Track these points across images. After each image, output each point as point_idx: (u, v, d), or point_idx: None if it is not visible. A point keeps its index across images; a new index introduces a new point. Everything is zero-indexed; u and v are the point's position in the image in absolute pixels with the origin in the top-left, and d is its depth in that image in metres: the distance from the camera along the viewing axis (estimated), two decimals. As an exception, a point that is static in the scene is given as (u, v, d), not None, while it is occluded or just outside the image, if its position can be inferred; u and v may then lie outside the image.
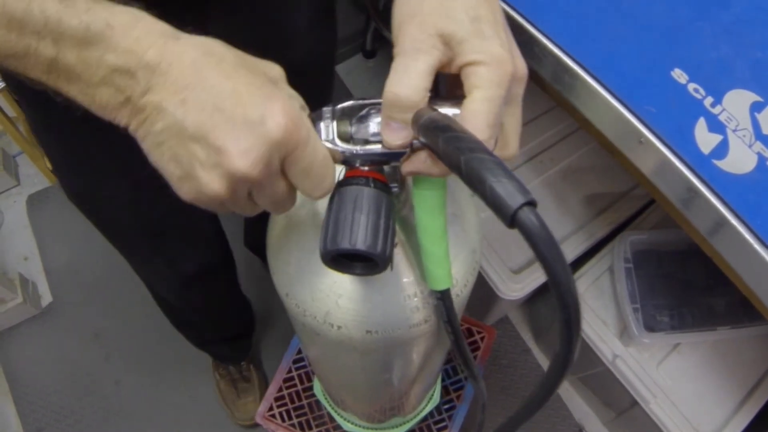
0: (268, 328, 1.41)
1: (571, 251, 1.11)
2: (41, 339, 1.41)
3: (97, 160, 0.63)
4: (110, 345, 1.40)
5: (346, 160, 0.36)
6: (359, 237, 0.34)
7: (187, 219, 0.77)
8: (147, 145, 0.31)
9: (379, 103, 0.36)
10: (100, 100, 0.30)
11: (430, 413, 0.95)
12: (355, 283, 0.46)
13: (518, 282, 1.07)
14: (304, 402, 0.98)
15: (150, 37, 0.29)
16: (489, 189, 0.26)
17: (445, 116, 0.32)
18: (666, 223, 1.12)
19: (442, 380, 0.97)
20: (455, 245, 0.47)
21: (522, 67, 0.34)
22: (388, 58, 0.34)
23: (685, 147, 0.55)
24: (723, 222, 0.54)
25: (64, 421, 1.32)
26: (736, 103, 0.55)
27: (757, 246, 0.52)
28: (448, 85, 0.34)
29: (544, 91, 0.69)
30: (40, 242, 1.54)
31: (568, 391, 1.32)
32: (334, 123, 0.36)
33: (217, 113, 0.29)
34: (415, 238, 0.42)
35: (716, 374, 1.02)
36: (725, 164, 0.54)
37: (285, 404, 0.98)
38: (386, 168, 0.38)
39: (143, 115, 0.30)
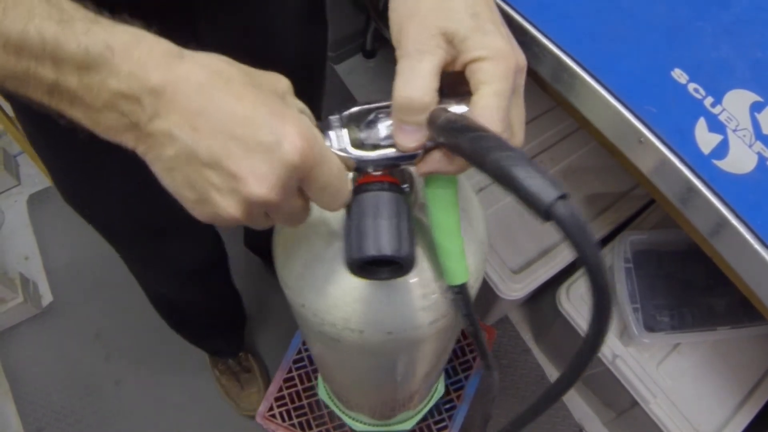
0: (268, 327, 1.41)
1: (571, 252, 1.11)
2: (42, 339, 1.41)
3: (92, 164, 0.63)
4: (111, 345, 1.40)
5: (359, 167, 0.36)
6: (385, 242, 0.34)
7: (185, 217, 0.77)
8: (157, 169, 0.30)
9: (386, 106, 0.36)
10: (105, 124, 0.29)
11: (430, 413, 0.95)
12: (373, 286, 0.46)
13: (518, 282, 1.08)
14: (305, 402, 0.98)
15: (152, 58, 0.28)
16: (522, 186, 0.26)
17: (461, 116, 0.32)
18: (666, 223, 1.12)
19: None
20: (465, 238, 0.48)
21: (522, 58, 0.34)
22: (389, 58, 0.34)
23: (686, 147, 0.55)
24: (723, 222, 0.54)
25: (64, 420, 1.32)
26: (736, 103, 0.55)
27: (757, 246, 0.52)
28: (448, 83, 0.34)
29: (544, 91, 0.69)
30: (40, 242, 1.54)
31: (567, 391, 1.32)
32: (345, 131, 0.36)
33: (231, 139, 0.28)
34: (428, 236, 0.42)
35: (716, 374, 1.02)
36: (725, 164, 0.54)
37: (285, 404, 0.98)
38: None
39: (152, 140, 0.29)
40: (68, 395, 1.34)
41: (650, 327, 1.00)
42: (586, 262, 0.26)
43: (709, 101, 0.56)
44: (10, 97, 0.58)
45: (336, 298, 0.46)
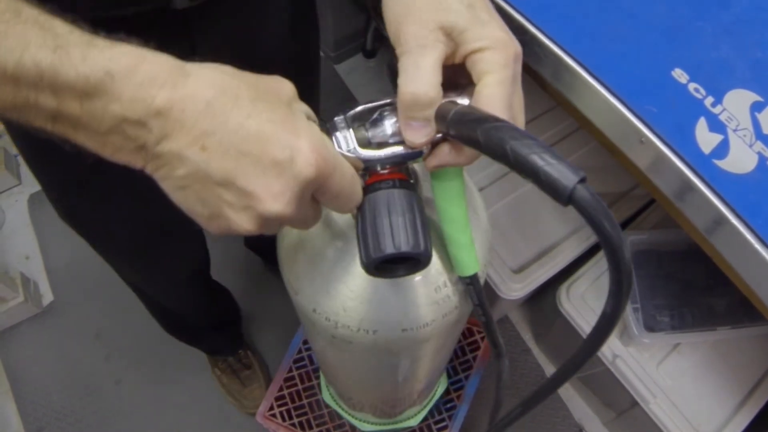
0: (268, 327, 1.41)
1: (571, 251, 1.11)
2: (42, 338, 1.41)
3: (91, 186, 0.63)
4: (111, 344, 1.40)
5: (368, 166, 0.36)
6: (402, 239, 0.34)
7: (181, 230, 0.77)
8: (167, 187, 0.30)
9: (389, 104, 0.37)
10: (112, 147, 0.28)
11: (431, 413, 0.95)
12: (386, 284, 0.46)
13: (518, 282, 1.08)
14: (305, 401, 0.98)
15: (156, 80, 0.27)
16: (543, 174, 0.27)
17: (470, 107, 0.33)
18: (666, 223, 1.12)
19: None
20: (471, 228, 0.48)
21: (518, 45, 0.35)
22: (389, 58, 0.34)
23: (686, 147, 0.55)
24: (723, 221, 0.54)
25: (64, 420, 1.32)
26: (737, 102, 0.55)
27: (757, 246, 0.52)
28: (445, 76, 0.35)
29: (545, 90, 0.69)
30: (41, 241, 1.54)
31: (568, 391, 1.32)
32: (351, 131, 0.36)
33: (243, 157, 0.28)
34: (435, 228, 0.42)
35: (716, 374, 1.02)
36: (726, 164, 0.54)
37: (285, 403, 0.98)
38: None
39: (161, 161, 0.29)
40: (68, 395, 1.34)
41: (650, 327, 1.00)
42: (608, 243, 0.26)
43: (709, 101, 0.56)
44: (7, 123, 0.58)
45: (348, 299, 0.46)
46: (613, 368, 1.01)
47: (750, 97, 0.55)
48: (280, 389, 0.99)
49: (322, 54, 1.78)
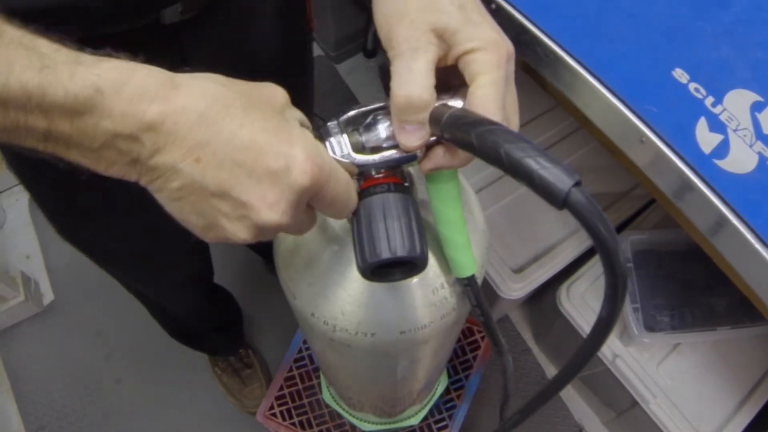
0: (268, 326, 1.41)
1: (571, 251, 1.11)
2: (43, 337, 1.41)
3: (89, 205, 0.62)
4: (112, 344, 1.41)
5: (362, 171, 0.36)
6: (398, 244, 0.34)
7: (179, 239, 0.77)
8: (162, 199, 0.30)
9: (381, 107, 0.36)
10: (106, 162, 0.28)
11: (431, 412, 0.95)
12: (383, 287, 0.46)
13: (518, 282, 1.08)
14: (305, 401, 0.98)
15: (146, 94, 0.27)
16: (537, 177, 0.26)
17: (465, 110, 0.32)
18: (666, 223, 1.12)
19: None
20: (468, 229, 0.48)
21: (510, 45, 0.35)
22: (382, 60, 0.34)
23: (686, 146, 0.55)
24: (723, 221, 0.54)
25: (65, 419, 1.32)
26: (737, 102, 0.55)
27: (757, 246, 0.52)
28: (437, 78, 0.34)
29: (545, 90, 0.69)
30: (42, 240, 1.54)
31: (568, 391, 1.32)
32: (345, 136, 0.36)
33: (237, 168, 0.28)
34: (431, 230, 0.42)
35: (716, 374, 1.02)
36: (726, 164, 0.54)
37: (286, 403, 0.98)
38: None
39: (155, 174, 0.28)
40: (69, 394, 1.35)
41: (650, 327, 1.00)
42: (603, 247, 0.26)
43: (709, 101, 0.56)
44: (1, 147, 0.57)
45: (346, 303, 0.46)
46: (613, 368, 1.01)
47: (750, 97, 0.55)
48: (281, 388, 0.99)
49: (322, 54, 1.78)
